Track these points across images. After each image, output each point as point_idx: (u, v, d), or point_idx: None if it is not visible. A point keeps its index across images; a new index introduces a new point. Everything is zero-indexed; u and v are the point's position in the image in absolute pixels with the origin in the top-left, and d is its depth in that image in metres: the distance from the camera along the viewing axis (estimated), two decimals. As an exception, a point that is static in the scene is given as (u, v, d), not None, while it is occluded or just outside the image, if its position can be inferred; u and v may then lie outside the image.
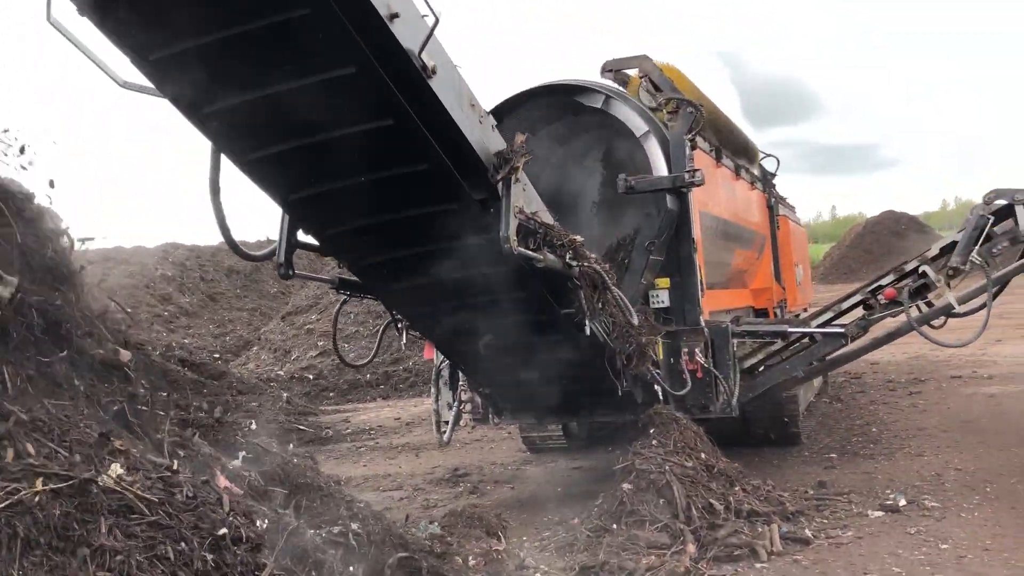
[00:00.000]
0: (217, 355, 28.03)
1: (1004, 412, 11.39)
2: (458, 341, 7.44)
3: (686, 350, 8.14)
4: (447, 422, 8.98)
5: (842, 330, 8.24)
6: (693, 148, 8.66)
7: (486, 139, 5.38)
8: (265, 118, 5.12)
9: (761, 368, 8.75)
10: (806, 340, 8.63)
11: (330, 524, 3.67)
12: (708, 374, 8.15)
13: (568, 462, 10.75)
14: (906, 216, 54.50)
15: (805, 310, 16.72)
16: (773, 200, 13.41)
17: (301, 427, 14.80)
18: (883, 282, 8.11)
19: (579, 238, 6.22)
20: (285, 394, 18.95)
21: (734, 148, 11.20)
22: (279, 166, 5.54)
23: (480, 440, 12.82)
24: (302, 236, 6.06)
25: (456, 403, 8.79)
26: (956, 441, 9.80)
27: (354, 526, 3.71)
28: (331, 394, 21.11)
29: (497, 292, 6.49)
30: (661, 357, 8.15)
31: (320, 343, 22.66)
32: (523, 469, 10.66)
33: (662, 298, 8.34)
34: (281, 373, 22.76)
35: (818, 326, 8.41)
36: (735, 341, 8.48)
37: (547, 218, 6.09)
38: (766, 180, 13.42)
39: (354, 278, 6.70)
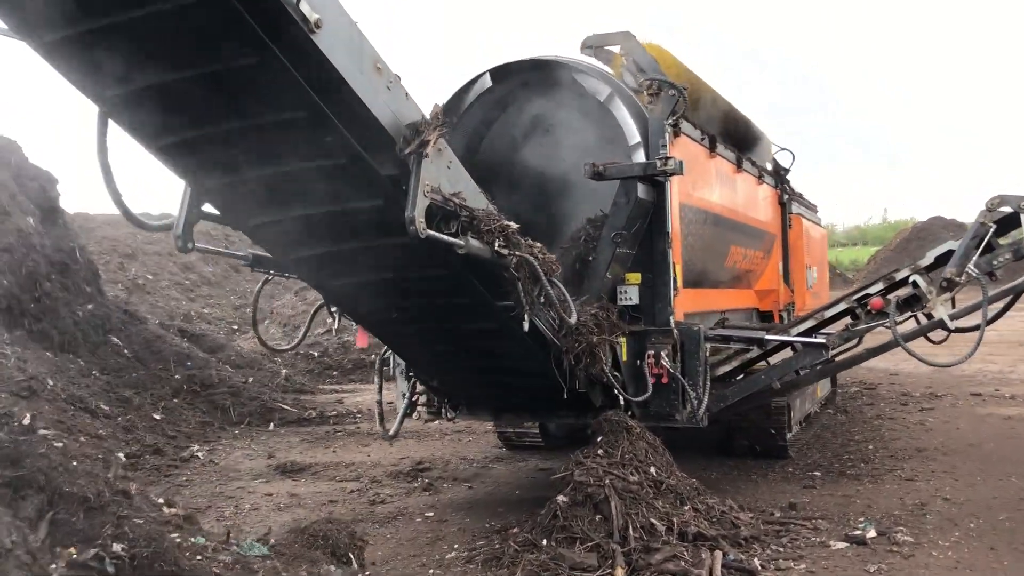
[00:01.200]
0: (236, 327, 27.92)
1: (1016, 437, 10.58)
2: (394, 332, 6.91)
3: (651, 353, 7.52)
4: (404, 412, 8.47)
5: (823, 341, 7.55)
6: (676, 135, 8.02)
7: (396, 108, 4.80)
8: (171, 104, 4.64)
9: (739, 377, 8.08)
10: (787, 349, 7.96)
11: (84, 545, 3.14)
12: (674, 380, 7.52)
13: (540, 462, 10.19)
14: (954, 223, 52.78)
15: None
16: (786, 197, 12.67)
17: (284, 406, 14.38)
18: (871, 290, 7.39)
19: (512, 224, 5.62)
20: (284, 371, 18.62)
21: (738, 139, 10.49)
22: (191, 153, 5.06)
23: (461, 432, 12.32)
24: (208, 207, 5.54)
25: (409, 394, 8.26)
26: (954, 466, 9.05)
27: (116, 547, 3.17)
28: (334, 373, 20.72)
29: (429, 282, 5.93)
30: (625, 359, 7.55)
31: (328, 320, 22.28)
32: (490, 467, 10.10)
33: (631, 295, 7.71)
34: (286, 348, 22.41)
35: (799, 334, 7.71)
36: (708, 346, 7.83)
37: (477, 201, 5.50)
38: (779, 175, 12.68)
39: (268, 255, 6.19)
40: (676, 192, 7.95)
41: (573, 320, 6.08)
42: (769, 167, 12.51)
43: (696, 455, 10.08)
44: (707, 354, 7.78)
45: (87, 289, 15.41)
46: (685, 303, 8.17)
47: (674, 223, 7.82)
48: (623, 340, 7.48)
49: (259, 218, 5.41)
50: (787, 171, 12.94)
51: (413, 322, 6.55)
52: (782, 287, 12.64)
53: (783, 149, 12.89)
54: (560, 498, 6.25)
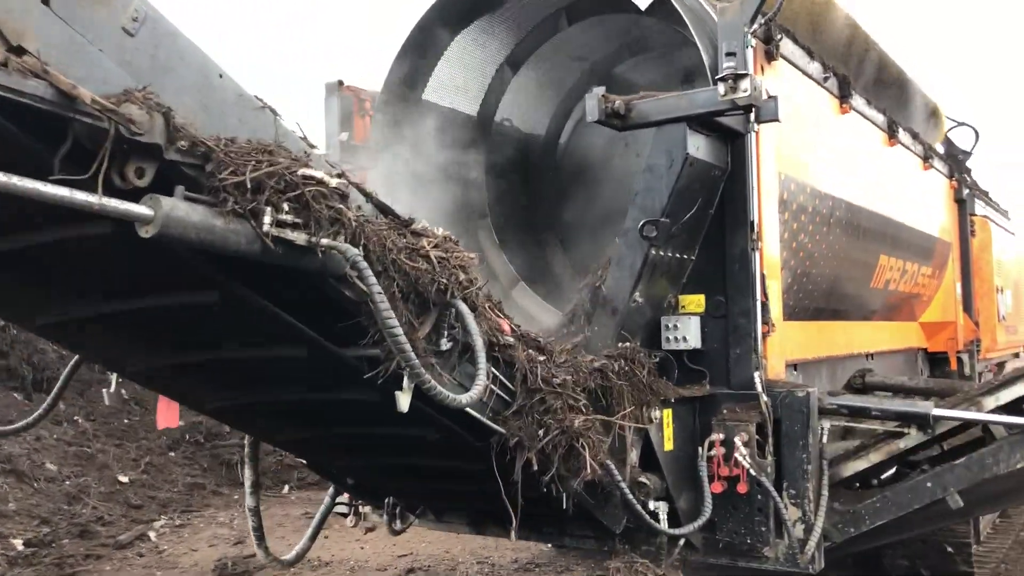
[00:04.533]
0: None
1: None
2: (212, 405, 3.83)
3: (716, 438, 4.17)
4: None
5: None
6: (771, 58, 4.70)
7: None
8: None
9: (880, 478, 4.57)
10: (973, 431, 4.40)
11: None
12: (759, 488, 4.14)
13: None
14: None
15: (1016, 355, 11.94)
16: (966, 191, 8.91)
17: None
18: None
19: (321, 175, 2.46)
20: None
21: (889, 99, 6.95)
22: None
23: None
24: None
25: (330, 497, 5.22)
26: None
27: None
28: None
29: (202, 312, 2.86)
30: (670, 447, 4.24)
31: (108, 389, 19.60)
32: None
33: (685, 332, 4.39)
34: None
35: (1000, 409, 4.16)
36: (827, 425, 4.39)
37: (214, 116, 2.40)
38: (955, 160, 8.96)
39: None
40: (770, 154, 4.62)
41: (465, 398, 2.82)
42: (940, 149, 8.82)
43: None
44: (824, 440, 4.35)
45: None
46: (789, 345, 4.78)
47: (764, 206, 4.49)
48: (665, 413, 4.18)
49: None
50: (967, 155, 9.22)
51: (221, 387, 3.50)
52: (962, 318, 8.87)
53: (961, 124, 9.17)
54: None
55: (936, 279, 8.29)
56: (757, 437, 4.19)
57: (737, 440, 4.12)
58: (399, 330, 2.53)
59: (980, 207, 9.31)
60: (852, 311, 6.41)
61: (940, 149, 8.82)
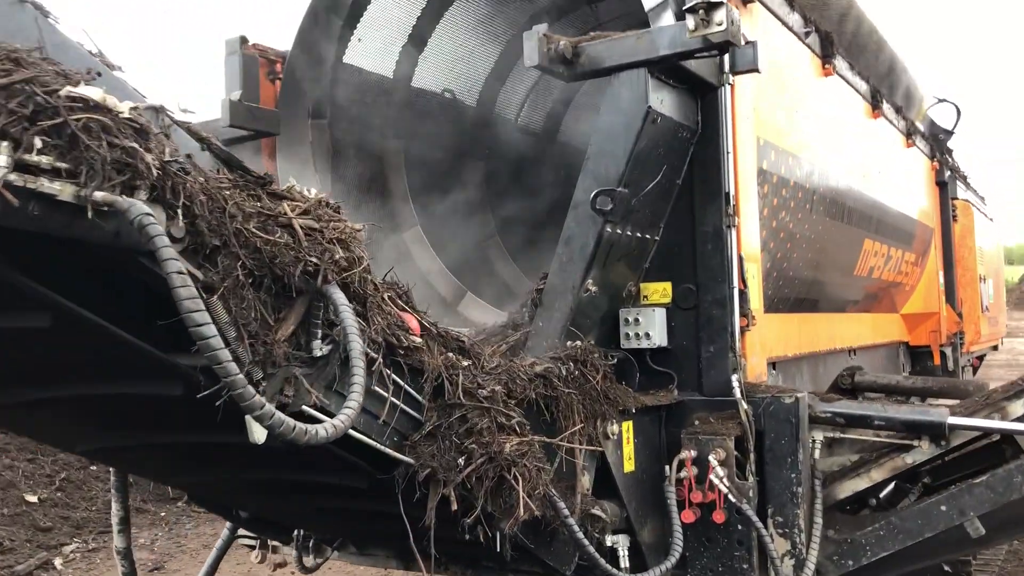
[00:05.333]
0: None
1: None
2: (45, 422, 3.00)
3: (686, 456, 3.42)
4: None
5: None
6: (747, 0, 3.95)
7: None
8: None
9: (878, 497, 3.84)
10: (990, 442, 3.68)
11: None
12: (739, 516, 3.39)
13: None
14: None
15: (995, 348, 11.37)
16: (947, 173, 8.27)
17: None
18: None
19: (172, 120, 1.67)
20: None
21: (871, 65, 6.24)
22: None
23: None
24: None
25: (229, 527, 4.39)
26: None
27: None
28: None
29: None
30: (631, 468, 3.47)
31: None
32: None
33: (649, 327, 3.63)
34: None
35: (1029, 416, 3.44)
36: (820, 438, 3.65)
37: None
38: (937, 140, 8.30)
39: None
40: (747, 114, 3.87)
41: (323, 429, 1.99)
42: (921, 127, 8.16)
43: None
44: (816, 455, 3.61)
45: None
46: (770, 342, 4.04)
47: (741, 175, 3.74)
48: (624, 427, 3.41)
49: None
50: (949, 134, 8.55)
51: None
52: (945, 309, 8.22)
53: (943, 101, 8.49)
54: None
55: (919, 267, 7.63)
56: (736, 454, 3.45)
57: (712, 458, 3.37)
58: (211, 328, 1.71)
59: (961, 190, 8.69)
60: (834, 302, 5.70)
61: (922, 128, 8.19)
